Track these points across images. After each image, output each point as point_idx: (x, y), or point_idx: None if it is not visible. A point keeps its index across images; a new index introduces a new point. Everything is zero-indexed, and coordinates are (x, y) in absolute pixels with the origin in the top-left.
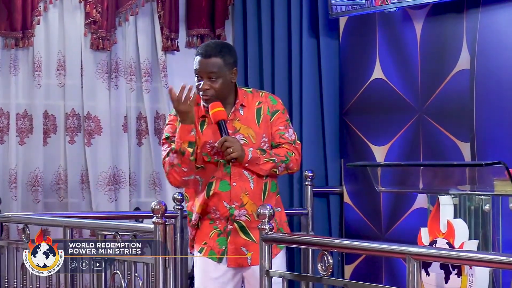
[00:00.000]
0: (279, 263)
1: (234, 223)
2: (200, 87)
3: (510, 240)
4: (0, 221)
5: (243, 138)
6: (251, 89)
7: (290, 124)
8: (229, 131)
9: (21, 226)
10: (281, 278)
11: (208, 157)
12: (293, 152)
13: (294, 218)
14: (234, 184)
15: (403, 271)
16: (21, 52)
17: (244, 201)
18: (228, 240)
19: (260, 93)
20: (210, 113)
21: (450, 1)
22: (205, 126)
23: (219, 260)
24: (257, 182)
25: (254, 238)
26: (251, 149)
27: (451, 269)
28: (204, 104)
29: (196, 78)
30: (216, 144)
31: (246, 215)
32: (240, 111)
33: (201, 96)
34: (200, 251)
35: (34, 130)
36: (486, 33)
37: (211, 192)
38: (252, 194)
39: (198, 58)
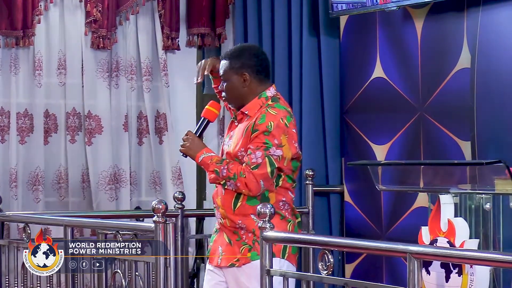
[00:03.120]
0: (252, 273)
1: (219, 223)
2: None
3: (510, 239)
4: (0, 220)
5: (228, 144)
6: (272, 103)
7: (267, 150)
8: (230, 132)
9: (21, 225)
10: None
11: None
12: (245, 175)
13: None
14: (216, 186)
15: (403, 270)
16: (22, 51)
17: (218, 204)
18: (214, 238)
19: (265, 109)
20: (206, 107)
21: (451, 0)
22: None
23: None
24: (229, 190)
25: (231, 241)
26: (208, 154)
27: (451, 268)
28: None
29: None
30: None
31: (220, 217)
32: (245, 118)
33: None
34: None
35: (34, 129)
36: (487, 32)
37: None
38: (223, 200)
39: None
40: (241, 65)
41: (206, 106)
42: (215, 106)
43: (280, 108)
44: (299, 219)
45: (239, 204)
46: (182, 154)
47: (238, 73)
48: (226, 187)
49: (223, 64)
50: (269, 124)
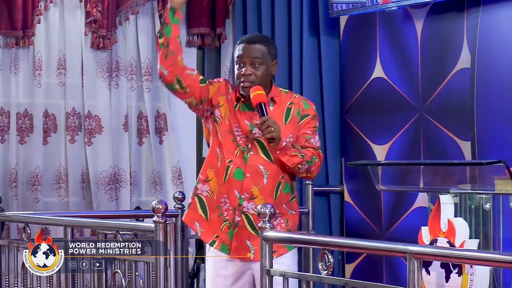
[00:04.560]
0: (288, 263)
1: (242, 214)
2: (242, 73)
3: (510, 238)
4: (0, 220)
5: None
6: (286, 90)
7: (317, 132)
8: (247, 120)
9: (21, 225)
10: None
11: (233, 137)
12: (317, 158)
13: None
14: (248, 175)
15: (403, 270)
16: (22, 51)
17: (254, 194)
18: (235, 232)
19: (294, 95)
20: (251, 96)
21: (451, 0)
22: (237, 108)
23: (229, 252)
24: (271, 179)
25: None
26: (286, 138)
27: (451, 268)
28: (242, 92)
29: (237, 66)
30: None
31: (254, 208)
32: (270, 106)
33: (240, 84)
34: (211, 244)
35: (34, 129)
36: (487, 32)
37: (226, 178)
38: (263, 189)
39: (242, 45)
40: (276, 53)
41: (252, 94)
42: (258, 89)
43: None
44: None
45: (278, 193)
46: (269, 140)
47: (273, 59)
48: (300, 171)
49: (260, 48)
50: (314, 108)
